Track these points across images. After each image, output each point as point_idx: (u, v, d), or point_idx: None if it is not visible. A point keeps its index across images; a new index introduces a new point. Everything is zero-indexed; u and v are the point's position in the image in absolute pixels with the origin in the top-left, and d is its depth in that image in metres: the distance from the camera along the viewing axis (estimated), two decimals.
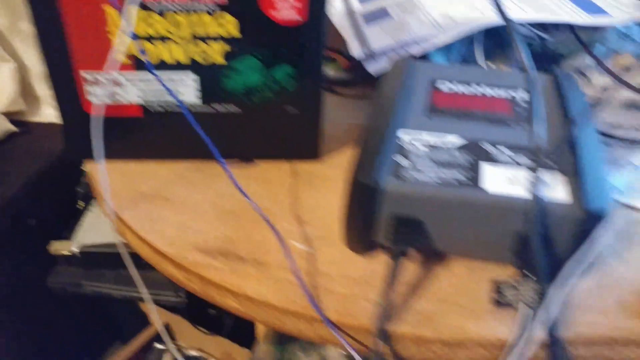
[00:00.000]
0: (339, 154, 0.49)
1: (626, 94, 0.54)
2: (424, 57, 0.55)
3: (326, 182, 0.46)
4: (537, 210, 0.31)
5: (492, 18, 0.53)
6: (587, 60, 0.59)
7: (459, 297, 0.35)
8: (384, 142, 0.37)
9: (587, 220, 0.32)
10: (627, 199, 0.42)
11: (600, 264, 0.37)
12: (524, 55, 0.46)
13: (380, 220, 0.35)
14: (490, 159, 0.36)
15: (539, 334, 0.31)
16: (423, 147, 0.37)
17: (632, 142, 0.48)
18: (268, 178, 0.46)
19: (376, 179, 0.34)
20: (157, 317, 0.98)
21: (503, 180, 0.34)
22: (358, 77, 0.58)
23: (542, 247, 0.31)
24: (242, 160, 0.48)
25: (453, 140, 0.38)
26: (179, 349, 1.01)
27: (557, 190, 0.33)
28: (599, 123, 0.52)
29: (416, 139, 0.38)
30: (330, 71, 0.63)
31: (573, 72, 0.59)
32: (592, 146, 0.36)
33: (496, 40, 0.57)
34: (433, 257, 0.38)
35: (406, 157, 0.36)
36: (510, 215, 0.33)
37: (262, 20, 0.40)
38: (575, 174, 0.34)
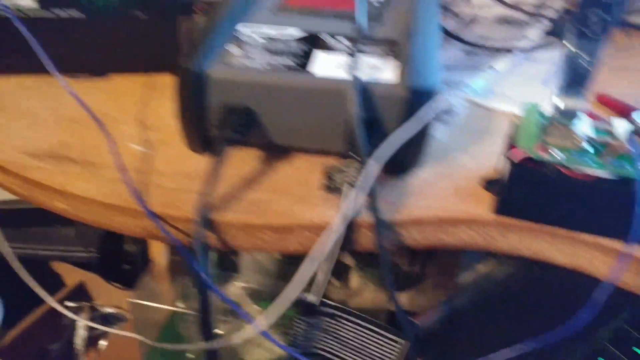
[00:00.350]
0: None
1: (500, 10, 0.54)
2: None
3: None
4: (357, 89, 0.30)
5: None
6: None
7: (293, 186, 0.34)
8: (217, 32, 0.35)
9: (410, 99, 0.31)
10: (481, 99, 0.42)
11: (444, 156, 0.36)
12: None
13: (208, 110, 0.33)
14: (326, 47, 0.35)
15: (364, 215, 0.31)
16: (260, 39, 0.35)
17: (497, 50, 0.48)
18: (119, 89, 0.43)
19: (201, 65, 0.32)
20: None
21: (333, 65, 0.33)
22: None
23: (363, 125, 0.30)
24: (94, 74, 0.45)
25: (293, 32, 0.36)
26: (94, 307, 0.98)
27: (387, 72, 0.32)
28: (472, 36, 0.51)
29: (255, 32, 0.36)
30: None
31: None
32: (428, 35, 0.36)
33: None
34: (275, 153, 0.36)
35: (240, 47, 0.34)
36: (335, 97, 0.31)
37: None
38: (407, 59, 0.33)
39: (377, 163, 0.29)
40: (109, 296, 1.00)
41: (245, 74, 0.32)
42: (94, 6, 0.41)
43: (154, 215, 0.32)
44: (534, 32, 0.50)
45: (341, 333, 0.33)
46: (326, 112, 0.32)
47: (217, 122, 0.33)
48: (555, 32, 0.52)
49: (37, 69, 0.39)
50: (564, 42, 0.27)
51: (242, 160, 0.36)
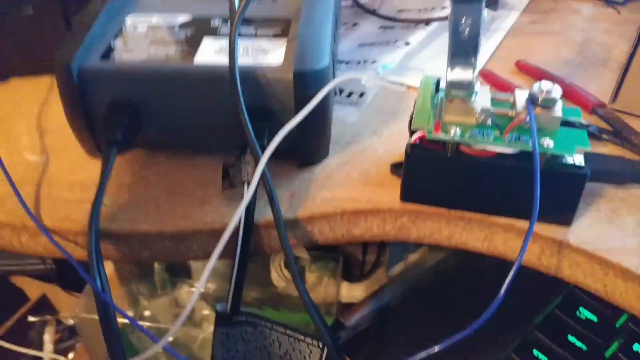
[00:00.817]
0: None
1: None
2: None
3: None
4: (235, 74, 0.28)
5: None
6: None
7: (193, 188, 0.32)
8: (99, 25, 0.32)
9: (297, 82, 0.29)
10: (395, 77, 0.41)
11: (354, 141, 0.35)
12: None
13: (91, 109, 0.31)
14: (214, 32, 0.32)
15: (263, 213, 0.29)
16: (144, 28, 0.33)
17: (414, 23, 0.46)
18: (19, 94, 0.41)
19: (78, 60, 0.30)
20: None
21: (217, 51, 0.31)
22: None
23: (250, 114, 0.28)
24: None
25: (180, 18, 0.34)
26: (59, 320, 0.95)
27: (273, 55, 0.30)
28: (389, 9, 0.50)
29: (142, 22, 0.34)
30: None
31: None
32: (318, 11, 0.33)
33: None
34: (175, 153, 0.34)
35: (122, 39, 0.32)
36: (215, 86, 0.29)
37: None
38: (294, 39, 0.31)
39: (265, 157, 0.27)
40: (72, 306, 0.97)
41: (123, 67, 0.30)
42: None
43: (46, 231, 0.30)
44: None
45: (263, 342, 0.31)
46: (210, 102, 0.30)
47: (103, 122, 0.31)
48: None
49: None
50: (444, 7, 0.26)
51: (139, 162, 0.34)
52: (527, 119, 0.27)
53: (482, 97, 0.28)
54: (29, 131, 0.37)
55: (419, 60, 0.42)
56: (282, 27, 0.33)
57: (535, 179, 0.25)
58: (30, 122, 0.38)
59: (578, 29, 0.48)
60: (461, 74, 0.27)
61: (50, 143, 0.36)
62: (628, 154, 0.33)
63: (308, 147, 0.32)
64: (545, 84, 0.27)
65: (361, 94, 0.38)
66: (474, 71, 0.27)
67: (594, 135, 0.35)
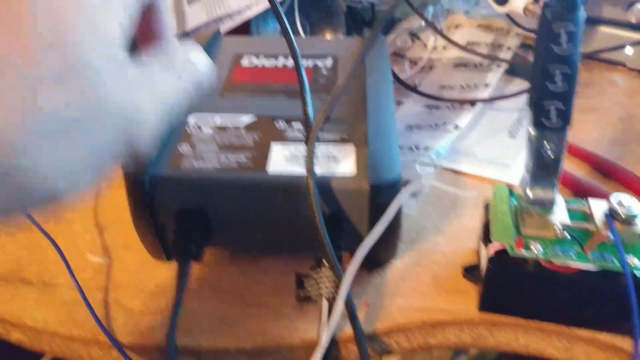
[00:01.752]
0: None
1: (456, 53, 0.53)
2: (244, 31, 0.51)
3: None
4: (313, 186, 0.28)
5: None
6: (421, 21, 0.58)
7: (265, 297, 0.32)
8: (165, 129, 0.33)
9: (372, 193, 0.29)
10: (448, 163, 0.41)
11: (418, 238, 0.35)
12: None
13: (162, 218, 0.31)
14: (281, 136, 0.33)
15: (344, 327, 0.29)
16: (211, 132, 0.33)
17: (461, 104, 0.46)
18: None
19: (149, 170, 0.30)
20: None
21: (287, 158, 0.31)
22: None
23: (326, 223, 0.28)
24: None
25: (243, 119, 0.34)
26: None
27: (344, 163, 0.30)
28: (431, 84, 0.50)
29: (204, 123, 0.34)
30: None
31: (408, 35, 0.57)
32: (384, 114, 0.34)
33: (324, 9, 0.54)
34: (244, 256, 0.34)
35: (189, 143, 0.32)
36: (292, 196, 0.29)
37: None
38: (364, 145, 0.31)
39: (349, 277, 0.27)
40: None
41: (196, 177, 0.30)
42: None
43: (120, 348, 0.30)
44: (492, 76, 0.50)
45: None
46: (285, 211, 0.30)
47: (174, 230, 0.31)
48: (514, 71, 0.52)
49: None
50: (528, 129, 0.26)
51: (209, 267, 0.34)
52: (610, 236, 0.27)
53: (559, 209, 0.28)
54: (88, 228, 0.37)
55: (468, 144, 0.43)
56: (347, 130, 0.33)
57: (632, 300, 0.25)
58: (87, 217, 0.38)
59: (618, 104, 0.48)
60: (542, 193, 0.27)
61: (110, 241, 0.36)
62: None
63: (379, 252, 0.32)
64: (626, 199, 0.27)
65: (418, 185, 0.38)
66: (555, 191, 0.27)
67: None
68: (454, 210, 0.37)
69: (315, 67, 0.40)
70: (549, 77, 0.23)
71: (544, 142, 0.26)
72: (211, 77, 0.23)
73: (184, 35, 0.51)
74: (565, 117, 0.25)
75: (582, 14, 0.23)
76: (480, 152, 0.42)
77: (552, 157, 0.26)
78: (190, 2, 0.56)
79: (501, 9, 0.52)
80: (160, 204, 0.30)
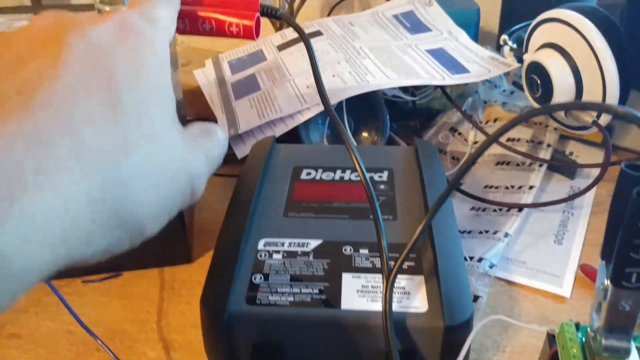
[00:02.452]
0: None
1: (498, 150, 0.55)
2: (292, 133, 0.53)
3: (196, 290, 0.42)
4: (390, 325, 0.29)
5: (354, 88, 0.52)
6: (459, 115, 0.60)
7: None
8: (238, 258, 0.34)
9: (446, 332, 0.30)
10: (501, 272, 0.42)
11: (480, 358, 0.36)
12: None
13: (237, 348, 0.32)
14: (350, 265, 0.34)
15: None
16: (279, 257, 0.35)
17: (508, 210, 0.48)
18: (133, 292, 0.42)
19: (226, 304, 0.31)
20: None
21: (359, 291, 0.32)
22: (231, 153, 0.55)
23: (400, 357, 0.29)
24: (106, 272, 0.44)
25: (311, 244, 0.36)
26: None
27: (416, 298, 0.32)
28: (474, 183, 0.52)
29: (273, 248, 0.35)
30: None
31: (448, 131, 0.59)
32: (450, 242, 0.35)
33: (367, 106, 0.56)
34: None
35: (261, 272, 0.34)
36: (367, 332, 0.31)
37: None
38: (432, 276, 0.33)
39: None
40: None
41: (272, 313, 0.31)
42: None
43: None
44: (535, 177, 0.51)
45: None
46: (359, 347, 0.31)
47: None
48: (554, 167, 0.53)
49: None
50: (604, 281, 0.27)
51: None
52: None
53: (634, 355, 0.29)
54: (153, 344, 0.38)
55: (517, 251, 0.44)
56: (414, 260, 0.34)
57: None
58: (151, 331, 0.39)
59: None
60: (617, 342, 0.28)
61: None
62: None
63: None
64: None
65: (475, 298, 0.39)
66: (630, 342, 0.28)
67: None
68: (512, 326, 0.38)
69: (372, 180, 0.42)
70: (633, 249, 0.24)
71: (622, 299, 0.27)
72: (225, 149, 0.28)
73: (238, 137, 0.53)
74: None
75: None
76: (530, 260, 0.43)
77: (629, 310, 0.27)
78: (238, 97, 0.59)
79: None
80: (236, 336, 0.32)
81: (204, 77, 0.66)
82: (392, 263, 0.32)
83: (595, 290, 0.28)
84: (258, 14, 0.34)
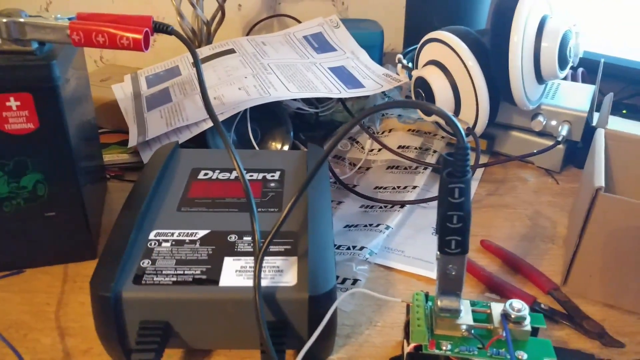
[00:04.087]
0: None
1: (389, 156, 0.60)
2: (200, 141, 0.56)
3: None
4: (259, 298, 0.33)
5: (256, 99, 0.56)
6: (358, 126, 0.65)
7: None
8: (127, 245, 0.37)
9: (311, 301, 0.34)
10: (381, 259, 0.47)
11: (353, 333, 0.40)
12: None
13: (126, 328, 0.35)
14: (232, 250, 0.38)
15: None
16: (168, 245, 0.38)
17: (392, 207, 0.53)
18: (35, 287, 0.44)
19: (113, 287, 0.34)
20: None
21: (237, 271, 0.36)
22: (139, 161, 0.58)
23: (268, 330, 0.33)
24: (9, 270, 0.45)
25: (199, 233, 0.39)
26: None
27: (287, 274, 0.36)
28: (366, 184, 0.57)
29: (163, 237, 0.39)
30: (116, 156, 0.62)
31: (347, 140, 0.64)
32: (321, 228, 0.39)
33: (272, 117, 0.61)
34: (199, 354, 0.38)
35: (149, 258, 0.37)
36: (241, 305, 0.34)
37: None
38: (305, 257, 0.37)
39: None
40: None
41: (156, 293, 0.34)
42: (2, 211, 0.42)
43: None
44: (419, 178, 0.57)
45: None
46: (235, 318, 0.35)
47: (137, 341, 0.34)
48: (439, 170, 0.59)
49: None
50: (436, 259, 0.32)
51: None
52: (504, 334, 0.33)
53: (465, 312, 0.34)
54: (50, 333, 0.40)
55: (398, 242, 0.49)
56: (291, 243, 0.38)
57: None
58: (50, 322, 0.41)
59: (527, 202, 0.56)
60: (449, 303, 0.33)
61: (73, 346, 0.39)
62: (584, 339, 0.39)
63: (318, 351, 0.36)
64: (516, 304, 0.33)
65: (354, 281, 0.44)
66: (459, 301, 0.33)
67: (552, 319, 0.41)
68: (385, 305, 0.42)
69: (264, 179, 0.46)
70: (448, 219, 0.29)
71: (449, 265, 0.32)
72: None
73: (145, 143, 0.56)
74: (463, 247, 0.31)
75: (469, 176, 0.29)
76: (408, 250, 0.48)
77: (455, 274, 0.32)
78: (151, 109, 0.62)
79: (428, 119, 0.60)
80: (123, 316, 0.34)
81: (121, 91, 0.69)
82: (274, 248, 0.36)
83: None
84: (147, 29, 0.38)
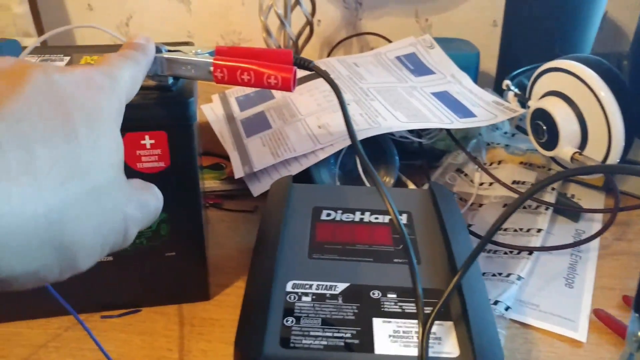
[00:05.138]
0: (230, 289, 0.46)
1: (503, 191, 0.57)
2: (306, 172, 0.54)
3: (215, 328, 0.42)
4: None
5: (366, 129, 0.53)
6: (464, 155, 0.61)
7: None
8: (269, 301, 0.34)
9: None
10: (516, 315, 0.43)
11: None
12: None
13: None
14: (379, 310, 0.35)
15: None
16: (309, 300, 0.35)
17: (518, 253, 0.49)
18: (153, 329, 0.42)
19: (260, 349, 0.31)
20: None
21: (391, 336, 0.33)
22: (243, 188, 0.56)
23: None
24: (126, 309, 0.43)
25: (338, 287, 0.36)
26: None
27: (447, 344, 0.32)
28: (483, 226, 0.53)
29: (302, 290, 0.36)
30: (213, 183, 0.60)
31: (454, 172, 0.61)
32: (476, 287, 0.36)
33: (375, 146, 0.58)
34: None
35: (292, 315, 0.34)
36: None
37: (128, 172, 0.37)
38: (461, 321, 0.34)
39: None
40: None
41: (308, 357, 0.32)
42: (124, 250, 0.40)
43: None
44: (543, 220, 0.53)
45: None
46: None
47: None
48: (558, 210, 0.55)
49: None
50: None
51: None
52: None
53: None
54: None
55: (530, 293, 0.45)
56: (439, 300, 0.35)
57: None
58: None
59: None
60: None
61: None
62: None
63: None
64: None
65: None
66: None
67: None
68: None
69: (392, 223, 0.43)
70: None
71: None
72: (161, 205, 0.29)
73: (252, 174, 0.54)
74: None
75: None
76: (543, 303, 0.44)
77: None
78: (250, 135, 0.60)
79: (548, 154, 0.56)
80: None
81: (212, 112, 0.67)
82: (426, 309, 0.32)
83: (626, 340, 0.29)
84: (295, 67, 0.35)
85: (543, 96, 0.56)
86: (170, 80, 0.37)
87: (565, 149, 0.53)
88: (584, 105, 0.52)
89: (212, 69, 0.35)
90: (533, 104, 0.57)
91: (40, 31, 0.97)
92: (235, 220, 0.56)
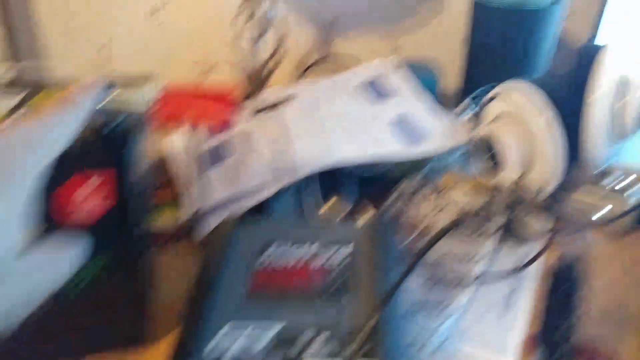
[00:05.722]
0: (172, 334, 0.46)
1: (453, 215, 0.58)
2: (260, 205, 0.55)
3: None
4: None
5: (319, 162, 0.55)
6: (419, 180, 0.63)
7: None
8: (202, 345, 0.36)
9: None
10: (456, 343, 0.45)
11: None
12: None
13: None
14: (303, 353, 0.36)
15: None
16: (237, 347, 0.36)
17: (458, 282, 0.50)
18: None
19: None
20: None
21: None
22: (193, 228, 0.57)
23: None
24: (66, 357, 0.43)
25: (269, 333, 0.37)
26: None
27: None
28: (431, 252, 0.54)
29: (232, 338, 0.37)
30: (170, 220, 0.60)
31: (408, 197, 0.62)
32: (395, 326, 0.38)
33: (334, 176, 0.59)
34: None
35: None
36: None
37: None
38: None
39: None
40: None
41: None
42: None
43: None
44: (487, 245, 0.54)
45: None
46: None
47: None
48: (508, 232, 0.56)
49: None
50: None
51: None
52: None
53: None
54: None
55: (469, 321, 0.47)
56: (368, 341, 0.36)
57: None
58: None
59: None
60: None
61: None
62: None
63: None
64: None
65: None
66: None
67: None
68: None
69: (329, 260, 0.44)
70: None
71: None
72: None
73: (206, 210, 0.55)
74: None
75: None
76: (479, 331, 0.46)
77: None
78: (210, 167, 0.61)
79: (494, 180, 0.57)
80: None
81: (173, 145, 0.68)
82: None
83: None
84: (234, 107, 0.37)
85: (492, 121, 0.58)
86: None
87: (508, 175, 0.55)
88: (530, 130, 0.54)
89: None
90: (483, 128, 0.58)
91: (15, 56, 0.99)
92: (184, 263, 0.53)
